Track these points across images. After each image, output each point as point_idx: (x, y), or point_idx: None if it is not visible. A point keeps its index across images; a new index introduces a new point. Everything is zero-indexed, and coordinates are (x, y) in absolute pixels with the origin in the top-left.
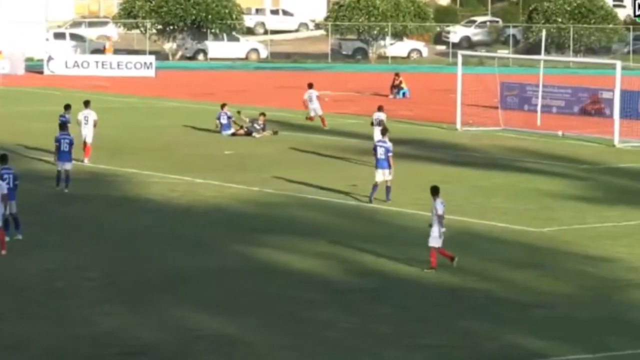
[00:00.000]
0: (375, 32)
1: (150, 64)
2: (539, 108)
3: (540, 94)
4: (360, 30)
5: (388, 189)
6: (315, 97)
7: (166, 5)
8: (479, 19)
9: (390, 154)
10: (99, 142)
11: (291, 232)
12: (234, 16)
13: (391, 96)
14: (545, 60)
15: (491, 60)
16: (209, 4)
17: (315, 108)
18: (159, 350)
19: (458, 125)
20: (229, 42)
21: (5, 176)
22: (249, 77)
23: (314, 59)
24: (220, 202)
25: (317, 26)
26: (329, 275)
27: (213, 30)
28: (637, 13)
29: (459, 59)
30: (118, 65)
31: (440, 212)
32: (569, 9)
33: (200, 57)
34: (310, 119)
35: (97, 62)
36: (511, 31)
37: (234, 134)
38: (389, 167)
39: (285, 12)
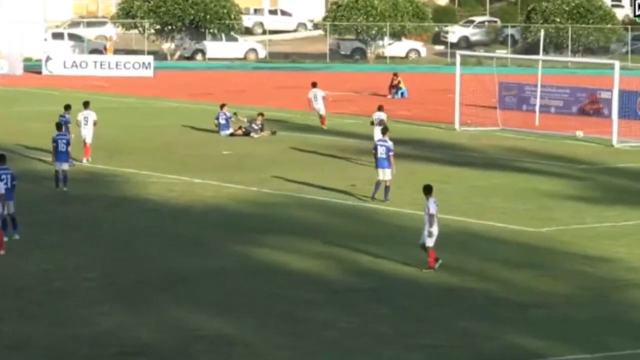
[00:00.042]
0: (373, 32)
1: (149, 64)
2: (537, 108)
3: (538, 94)
4: (359, 30)
5: (387, 189)
6: (320, 97)
7: (164, 5)
8: (478, 19)
9: (391, 153)
10: (97, 142)
11: (290, 232)
12: (232, 16)
13: (389, 96)
14: (543, 60)
15: (489, 60)
16: (207, 4)
17: (319, 108)
18: (158, 350)
19: (456, 125)
20: (227, 42)
21: (3, 176)
22: (247, 77)
23: (312, 59)
24: (219, 202)
25: (316, 26)
26: (327, 275)
27: (211, 30)
28: (637, 13)
29: (458, 59)
30: (116, 65)
31: (432, 211)
32: (567, 9)
33: (199, 57)
34: (322, 120)
35: (95, 62)
36: (509, 31)
37: (232, 134)
38: (389, 166)
39: (283, 12)
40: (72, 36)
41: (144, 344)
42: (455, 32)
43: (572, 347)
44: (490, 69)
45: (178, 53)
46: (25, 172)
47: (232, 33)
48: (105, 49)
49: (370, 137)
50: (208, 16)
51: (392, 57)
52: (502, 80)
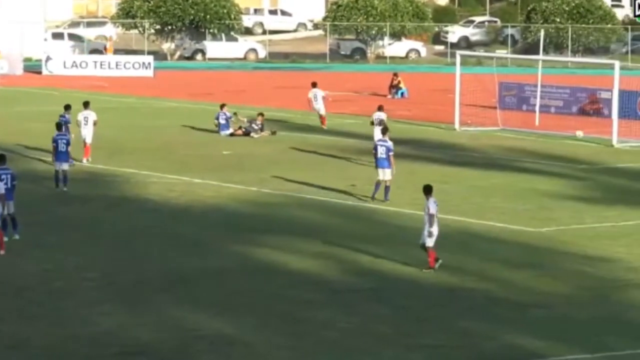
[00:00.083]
0: (373, 32)
1: (149, 64)
2: (537, 108)
3: (538, 94)
4: (359, 30)
5: (387, 189)
6: (320, 97)
7: (164, 5)
8: (478, 19)
9: (391, 153)
10: (97, 142)
11: (290, 232)
12: (232, 16)
13: (389, 96)
14: (543, 60)
15: (489, 60)
16: (207, 4)
17: (319, 108)
18: (158, 350)
19: (456, 125)
20: (227, 42)
21: (3, 176)
22: (247, 77)
23: (312, 59)
24: (219, 202)
25: (316, 26)
26: (327, 275)
27: (211, 30)
28: (637, 13)
29: (457, 59)
30: (116, 65)
31: (432, 211)
32: (567, 9)
33: (199, 57)
34: (322, 120)
35: (95, 62)
36: (509, 31)
37: (232, 134)
38: (389, 166)
39: (283, 12)
40: (72, 36)
41: (144, 344)
42: (455, 32)
43: (572, 347)
44: (490, 69)
45: (178, 53)
46: (25, 172)
47: (232, 33)
48: (105, 49)
49: (370, 137)
50: (208, 16)
51: (392, 57)
52: (502, 80)
